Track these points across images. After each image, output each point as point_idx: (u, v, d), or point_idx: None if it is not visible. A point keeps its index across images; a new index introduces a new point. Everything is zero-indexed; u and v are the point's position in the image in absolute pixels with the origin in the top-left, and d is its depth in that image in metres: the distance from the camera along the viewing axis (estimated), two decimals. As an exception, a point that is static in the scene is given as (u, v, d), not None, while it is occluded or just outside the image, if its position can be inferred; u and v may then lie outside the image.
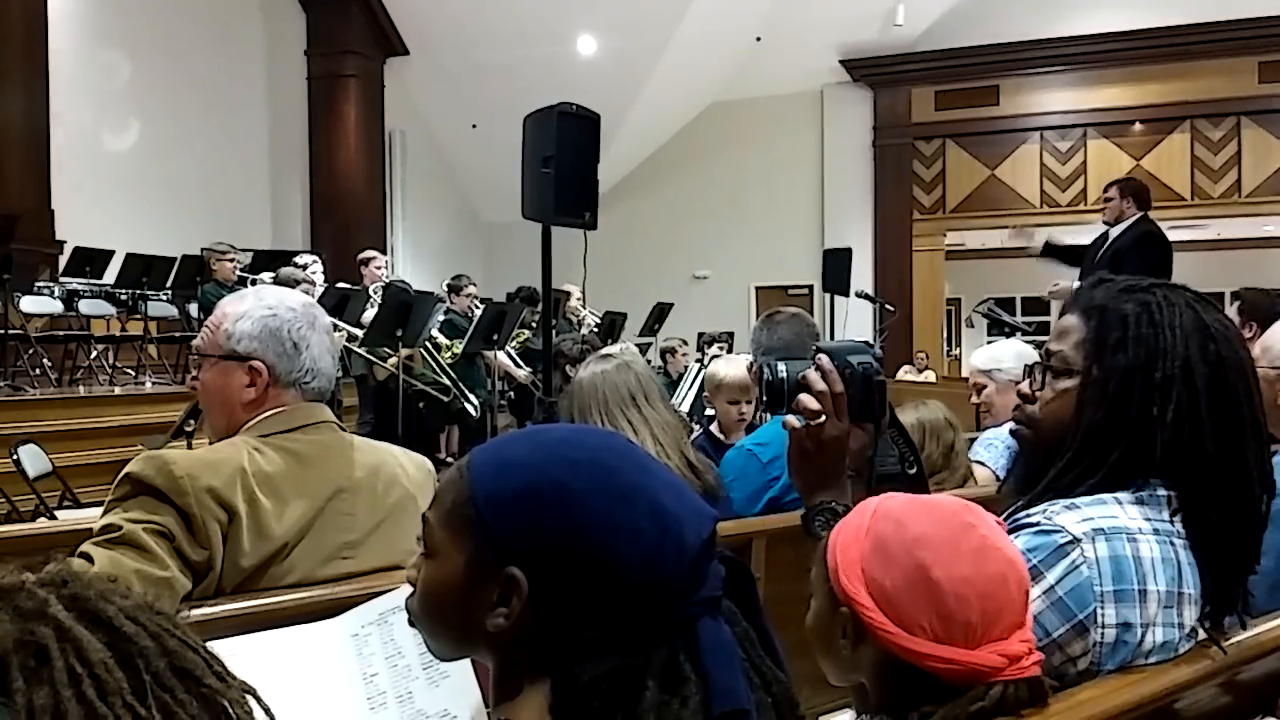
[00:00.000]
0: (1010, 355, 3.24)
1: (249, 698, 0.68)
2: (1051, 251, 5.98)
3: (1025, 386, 1.33)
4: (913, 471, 1.31)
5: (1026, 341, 6.77)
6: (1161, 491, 1.20)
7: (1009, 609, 0.95)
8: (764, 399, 1.29)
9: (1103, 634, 1.12)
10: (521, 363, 7.57)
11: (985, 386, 3.25)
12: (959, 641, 0.93)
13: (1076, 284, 5.59)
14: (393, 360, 6.61)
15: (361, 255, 8.23)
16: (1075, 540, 1.14)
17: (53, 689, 0.59)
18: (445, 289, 8.10)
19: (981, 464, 3.17)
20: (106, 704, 0.59)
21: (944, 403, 3.23)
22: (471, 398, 7.21)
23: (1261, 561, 1.24)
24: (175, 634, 0.66)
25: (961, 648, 0.93)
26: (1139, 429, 1.19)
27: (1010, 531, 1.19)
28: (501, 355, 7.14)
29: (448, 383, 7.12)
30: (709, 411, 5.27)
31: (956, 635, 0.93)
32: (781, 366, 1.27)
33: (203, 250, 8.33)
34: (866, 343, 1.30)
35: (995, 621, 0.94)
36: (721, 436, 3.22)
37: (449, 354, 7.22)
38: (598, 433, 0.88)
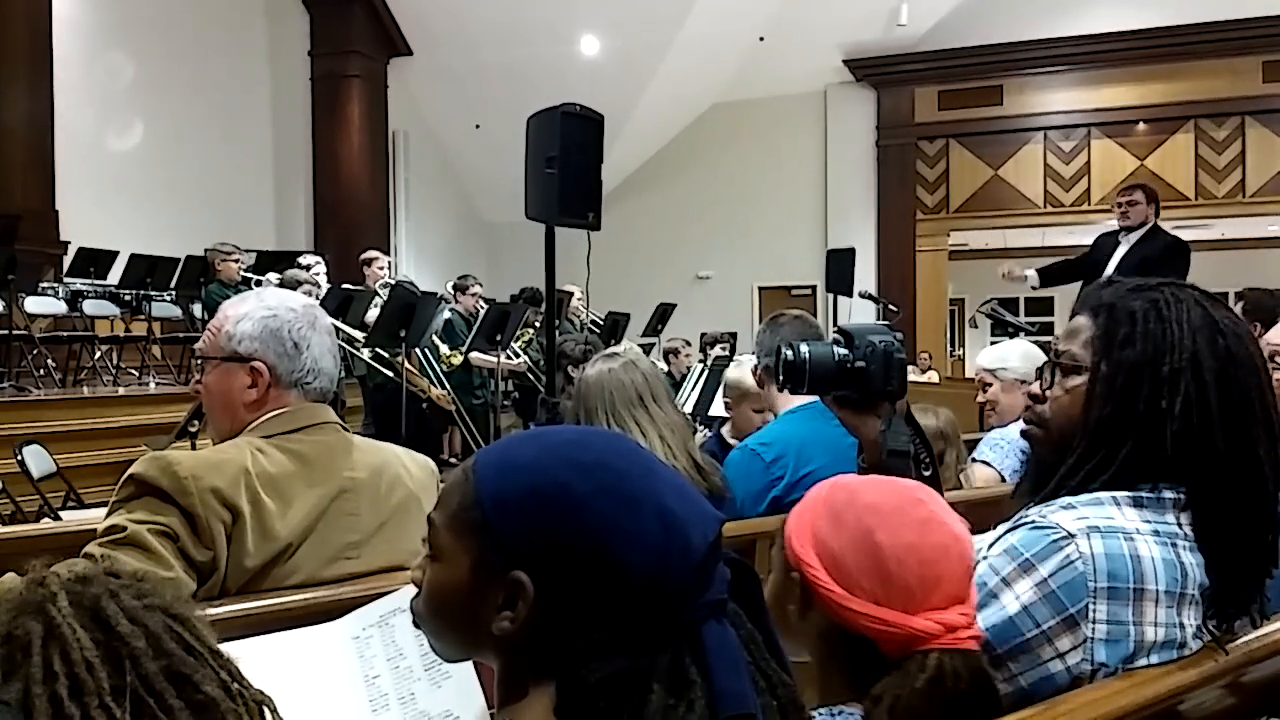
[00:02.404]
0: (1016, 355, 3.24)
1: (264, 709, 0.68)
2: (1049, 278, 5.94)
3: (1035, 387, 1.32)
4: (928, 474, 1.32)
5: (1032, 341, 6.75)
6: (1167, 494, 1.19)
7: (949, 579, 0.97)
8: (781, 378, 1.29)
9: (1093, 630, 1.12)
10: (520, 352, 7.56)
11: (991, 385, 3.25)
12: (897, 605, 0.96)
13: (1029, 271, 5.65)
14: (397, 364, 6.62)
15: (364, 256, 8.23)
16: (1070, 536, 1.14)
17: (25, 684, 0.60)
18: (451, 289, 8.10)
19: (987, 464, 3.17)
20: (80, 704, 0.60)
21: (948, 403, 3.22)
22: (458, 400, 7.22)
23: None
24: (183, 638, 0.66)
25: (900, 611, 0.95)
26: (1147, 423, 1.18)
27: (1007, 531, 1.20)
28: (501, 357, 7.14)
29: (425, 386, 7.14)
30: (713, 411, 5.28)
31: (895, 599, 0.96)
32: (804, 347, 1.27)
33: (206, 251, 8.34)
34: (888, 325, 1.31)
35: (934, 589, 0.96)
36: (733, 441, 3.21)
37: (446, 363, 7.23)
38: (603, 435, 0.88)
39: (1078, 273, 5.75)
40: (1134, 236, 5.44)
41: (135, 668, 0.63)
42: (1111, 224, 5.76)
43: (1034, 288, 5.99)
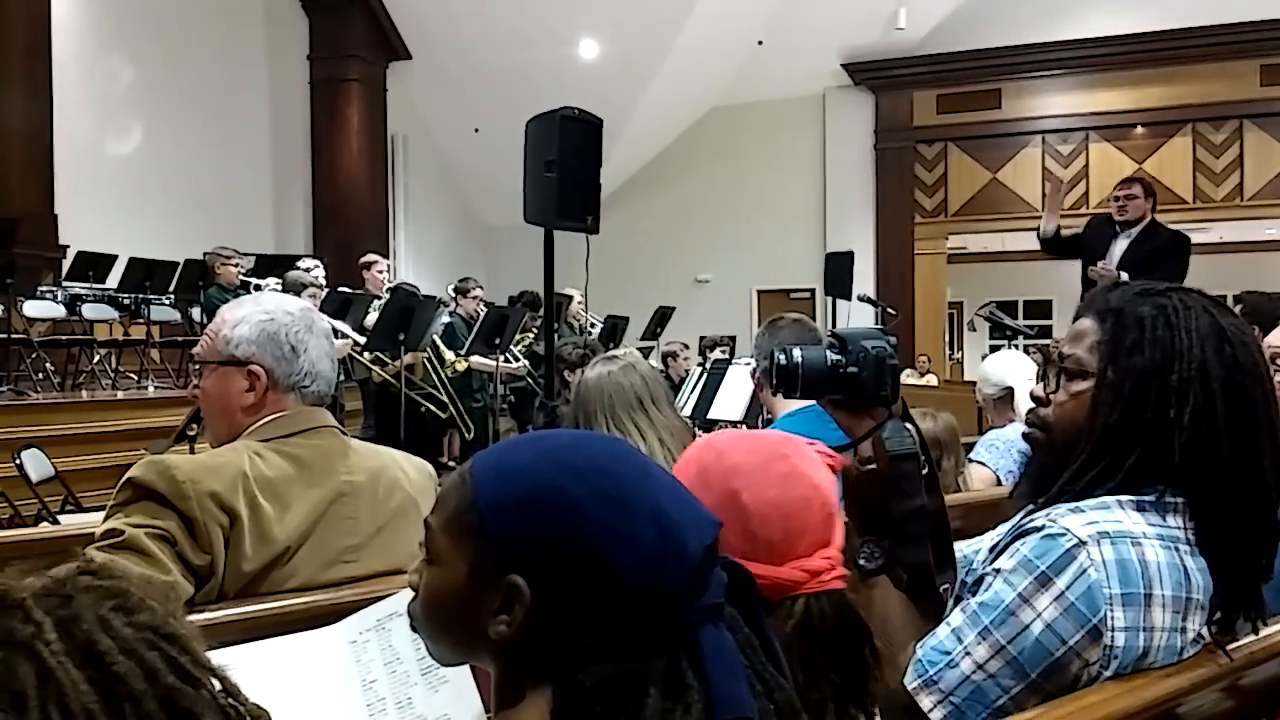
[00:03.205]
0: (988, 372, 3.49)
1: None
2: (1054, 244, 5.68)
3: (1039, 389, 1.31)
4: (924, 473, 1.31)
5: (1027, 343, 6.74)
6: (1170, 499, 1.19)
7: (811, 528, 1.03)
8: (774, 382, 1.29)
9: (1113, 638, 1.11)
10: (519, 356, 7.56)
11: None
12: (764, 558, 1.00)
13: (1123, 274, 5.41)
14: (390, 369, 6.61)
15: (363, 259, 8.22)
16: (1082, 543, 1.13)
17: None
18: (452, 292, 8.08)
19: (981, 464, 3.20)
20: None
21: (947, 407, 3.26)
22: (466, 419, 7.21)
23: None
24: (179, 664, 0.63)
25: (766, 564, 1.00)
26: (1155, 431, 1.18)
27: (1016, 538, 1.19)
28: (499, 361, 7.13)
29: (446, 397, 7.13)
30: (712, 414, 5.28)
31: (761, 553, 1.00)
32: (797, 352, 1.27)
33: (205, 254, 8.34)
34: (883, 329, 1.30)
35: (798, 539, 1.02)
36: None
37: (451, 369, 7.22)
38: (600, 439, 0.88)
39: (1075, 252, 5.60)
40: (1134, 231, 5.34)
41: (135, 710, 0.60)
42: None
43: (1040, 235, 5.74)
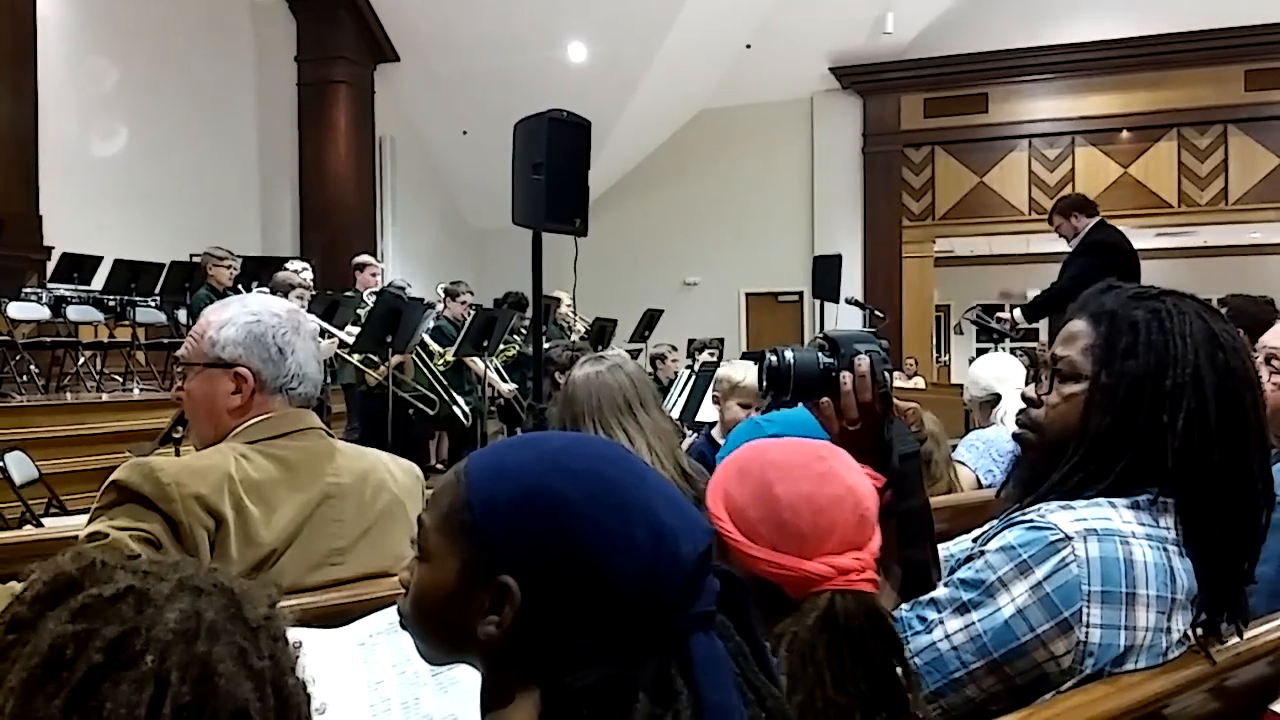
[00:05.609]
0: (976, 376, 3.58)
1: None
2: (1034, 313, 5.84)
3: (1030, 390, 1.32)
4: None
5: (1013, 346, 6.81)
6: (1161, 499, 1.20)
7: (842, 526, 1.04)
8: (765, 384, 1.28)
9: (1087, 634, 1.12)
10: (506, 376, 7.55)
11: None
12: (793, 550, 1.02)
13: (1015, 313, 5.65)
14: (381, 370, 6.58)
15: (356, 260, 8.17)
16: (1067, 538, 1.14)
17: None
18: (442, 293, 8.05)
19: (962, 464, 3.24)
20: None
21: (934, 408, 3.29)
22: (462, 404, 7.19)
23: (1261, 568, 1.24)
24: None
25: (795, 556, 1.02)
26: (1148, 436, 1.18)
27: (1003, 527, 1.21)
28: (489, 369, 7.11)
29: (440, 390, 7.10)
30: (700, 416, 5.28)
31: (791, 544, 1.02)
32: (789, 354, 1.26)
33: (200, 255, 8.28)
34: (873, 333, 1.30)
35: (828, 535, 1.03)
36: (722, 440, 3.21)
37: (441, 361, 7.18)
38: (596, 442, 0.87)
39: (1059, 304, 5.70)
40: (1074, 244, 5.54)
41: None
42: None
43: (1024, 326, 5.94)
